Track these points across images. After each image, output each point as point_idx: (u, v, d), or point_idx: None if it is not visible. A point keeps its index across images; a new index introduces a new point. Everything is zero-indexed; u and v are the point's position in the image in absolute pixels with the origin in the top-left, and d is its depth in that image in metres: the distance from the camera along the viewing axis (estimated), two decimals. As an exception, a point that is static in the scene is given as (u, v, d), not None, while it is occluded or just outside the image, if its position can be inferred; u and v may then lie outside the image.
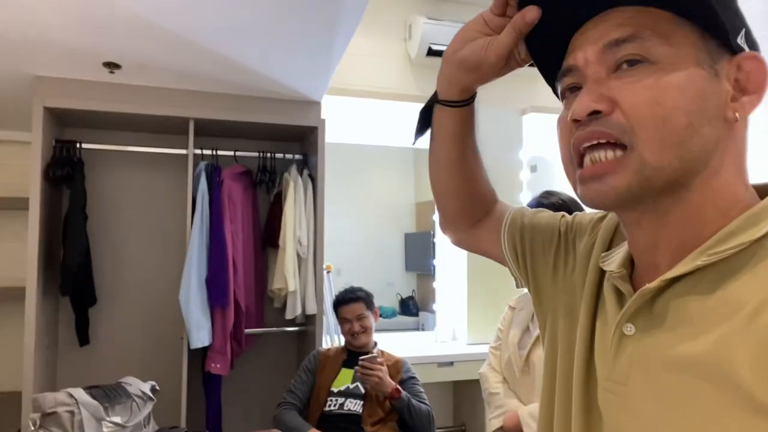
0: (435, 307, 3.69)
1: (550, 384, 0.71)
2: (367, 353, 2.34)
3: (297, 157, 2.95)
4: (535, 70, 0.69)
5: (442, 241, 3.58)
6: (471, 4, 3.19)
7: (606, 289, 0.65)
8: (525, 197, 3.44)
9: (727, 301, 0.50)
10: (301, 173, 2.86)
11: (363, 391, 2.34)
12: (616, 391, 0.57)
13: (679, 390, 0.50)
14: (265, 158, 2.88)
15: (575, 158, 0.58)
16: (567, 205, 1.60)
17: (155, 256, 2.87)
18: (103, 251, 2.79)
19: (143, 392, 1.87)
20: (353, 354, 2.41)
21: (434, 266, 3.68)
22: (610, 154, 0.55)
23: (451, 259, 3.54)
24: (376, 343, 2.52)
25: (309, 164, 2.93)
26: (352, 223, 5.69)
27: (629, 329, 0.58)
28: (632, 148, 0.53)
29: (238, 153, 2.83)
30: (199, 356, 2.70)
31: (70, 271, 2.54)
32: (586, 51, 0.57)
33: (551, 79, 0.67)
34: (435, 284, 3.69)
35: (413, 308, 5.97)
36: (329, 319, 3.05)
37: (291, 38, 2.13)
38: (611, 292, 0.64)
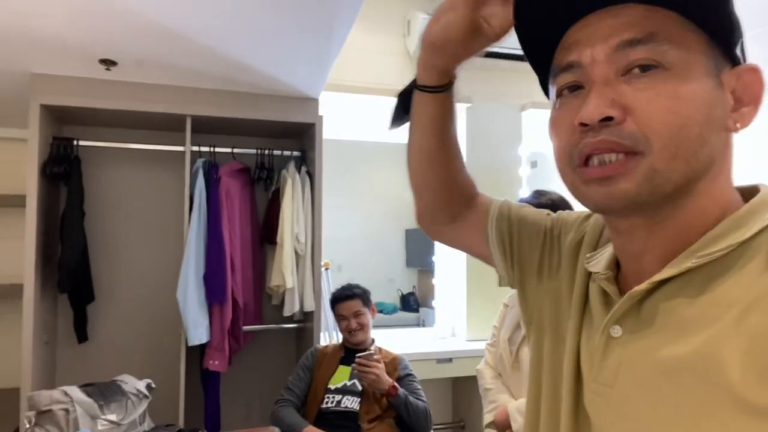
0: (434, 303, 3.69)
1: (536, 384, 0.70)
2: (364, 350, 2.34)
3: (295, 153, 2.94)
4: None
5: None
6: None
7: (592, 290, 0.65)
8: (525, 193, 3.42)
9: (715, 302, 0.50)
10: (299, 170, 2.86)
11: (360, 388, 2.34)
12: (604, 393, 0.57)
13: (669, 391, 0.50)
14: (262, 155, 2.88)
15: (577, 160, 0.55)
16: (557, 206, 1.58)
17: (153, 253, 2.87)
18: (100, 248, 2.79)
19: (138, 390, 1.87)
20: (351, 351, 2.41)
21: (434, 263, 3.68)
22: (621, 156, 0.53)
23: (450, 256, 3.54)
24: (373, 340, 2.52)
25: (307, 161, 2.93)
26: (354, 220, 5.71)
27: (616, 331, 0.58)
28: (644, 156, 0.52)
29: (235, 150, 2.82)
30: (198, 353, 2.70)
31: (68, 268, 2.54)
32: (594, 48, 0.54)
33: (540, 69, 0.64)
34: (434, 281, 3.68)
35: (414, 304, 5.98)
36: (327, 316, 3.05)
37: (287, 34, 2.12)
38: (597, 293, 0.63)
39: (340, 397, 2.35)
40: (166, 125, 2.77)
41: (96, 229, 2.78)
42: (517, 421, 1.63)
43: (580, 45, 0.55)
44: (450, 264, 3.55)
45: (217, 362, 2.64)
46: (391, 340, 3.05)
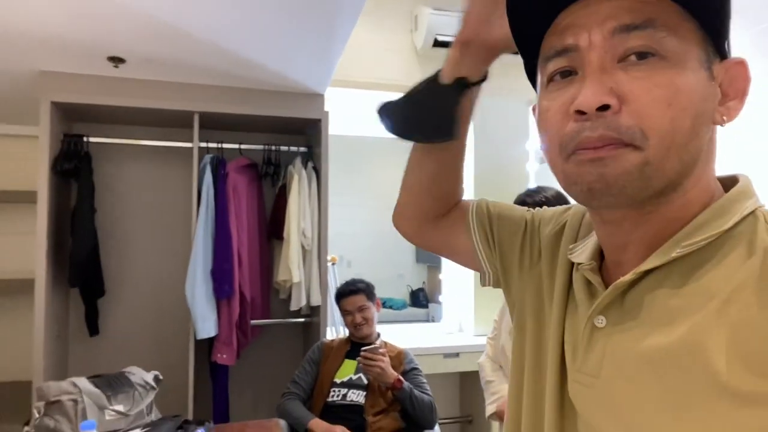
0: (441, 298, 3.70)
1: (518, 372, 0.70)
2: (370, 344, 2.35)
3: (302, 149, 2.96)
4: None
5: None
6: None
7: (576, 280, 0.65)
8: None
9: (698, 291, 0.51)
10: (305, 165, 2.87)
11: (366, 382, 2.36)
12: (589, 384, 0.57)
13: (654, 381, 0.51)
14: (269, 151, 2.90)
15: (572, 149, 0.53)
16: (551, 203, 1.57)
17: (161, 248, 2.91)
18: (110, 243, 2.83)
19: (146, 381, 1.91)
20: (356, 345, 2.43)
21: (440, 257, 3.68)
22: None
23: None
24: (379, 335, 2.54)
25: (313, 156, 2.95)
26: (363, 216, 5.72)
27: (601, 322, 0.58)
28: (640, 150, 0.51)
29: (242, 146, 2.85)
30: (206, 346, 2.74)
31: (79, 263, 2.58)
32: (591, 31, 0.52)
33: (527, 56, 0.63)
34: (441, 276, 3.69)
35: (423, 300, 5.99)
36: (334, 310, 3.07)
37: (291, 31, 2.14)
38: (581, 284, 0.63)
39: (346, 390, 2.37)
40: (174, 122, 2.80)
41: (106, 224, 2.82)
42: None
43: (575, 28, 0.54)
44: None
45: (224, 356, 2.67)
46: (398, 335, 3.07)
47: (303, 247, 2.80)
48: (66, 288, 2.71)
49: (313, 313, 2.92)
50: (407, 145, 0.81)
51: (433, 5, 3.28)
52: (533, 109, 0.62)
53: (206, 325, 2.60)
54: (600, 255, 0.63)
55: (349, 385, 2.38)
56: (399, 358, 2.44)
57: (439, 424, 2.39)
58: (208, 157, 2.74)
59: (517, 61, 0.65)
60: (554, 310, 0.65)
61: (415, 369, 2.43)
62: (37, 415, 1.66)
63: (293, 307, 2.79)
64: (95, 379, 1.81)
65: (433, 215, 0.84)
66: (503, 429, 0.76)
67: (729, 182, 0.58)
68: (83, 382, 1.74)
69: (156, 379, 1.95)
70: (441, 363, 3.15)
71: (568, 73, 0.55)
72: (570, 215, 0.73)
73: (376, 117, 0.77)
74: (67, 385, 1.71)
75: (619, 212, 0.57)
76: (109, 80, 2.62)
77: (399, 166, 0.85)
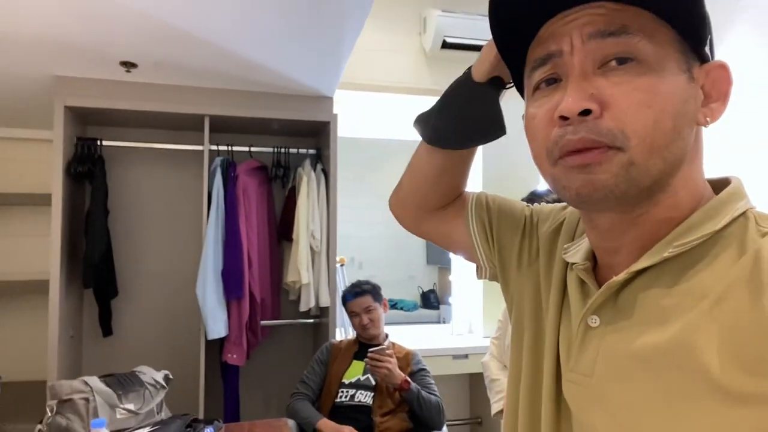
0: (451, 300, 3.70)
1: (515, 371, 0.71)
2: (377, 345, 2.37)
3: (311, 151, 2.98)
4: None
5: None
6: (484, -4, 3.17)
7: (569, 279, 0.66)
8: (542, 188, 3.41)
9: (690, 291, 0.51)
10: (314, 168, 2.90)
11: (374, 382, 2.37)
12: (582, 383, 0.58)
13: (646, 379, 0.51)
14: (279, 153, 2.92)
15: (557, 154, 0.55)
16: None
17: (173, 249, 2.95)
18: (123, 245, 2.88)
19: (156, 381, 1.94)
20: (364, 346, 2.44)
21: (450, 259, 3.69)
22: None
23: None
24: (387, 336, 2.55)
25: (322, 159, 2.97)
26: (374, 218, 5.72)
27: (594, 321, 0.58)
28: (623, 151, 0.52)
29: (252, 148, 2.88)
30: (217, 347, 2.77)
31: (92, 265, 2.62)
32: (572, 36, 0.55)
33: (513, 68, 0.65)
34: (451, 277, 3.69)
35: (434, 302, 5.98)
36: (342, 311, 3.09)
37: (300, 34, 2.16)
38: (574, 283, 0.64)
39: (354, 391, 2.38)
40: (186, 125, 2.84)
41: (119, 226, 2.86)
42: None
43: (557, 36, 0.56)
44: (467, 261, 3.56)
45: (235, 356, 2.70)
46: (408, 336, 3.08)
47: (312, 248, 2.83)
48: (80, 289, 2.75)
49: (322, 313, 2.94)
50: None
51: (442, 7, 3.29)
52: (523, 117, 0.63)
53: (217, 326, 2.63)
54: (594, 255, 0.64)
55: (357, 385, 2.39)
56: (407, 359, 2.45)
57: (449, 425, 2.40)
58: (218, 160, 2.78)
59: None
60: (551, 308, 0.66)
61: (423, 370, 2.44)
62: (49, 414, 1.70)
63: (302, 308, 2.81)
64: (106, 378, 1.84)
65: (434, 206, 0.83)
66: (502, 425, 0.77)
67: (720, 184, 0.59)
68: (95, 381, 1.78)
69: (166, 378, 1.99)
70: (450, 364, 3.16)
71: (553, 81, 0.57)
72: (568, 213, 0.74)
73: (413, 129, 0.76)
74: (78, 383, 1.75)
75: (608, 217, 0.58)
76: (122, 84, 2.66)
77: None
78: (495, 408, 1.81)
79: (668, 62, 0.53)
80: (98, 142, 2.72)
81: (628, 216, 0.57)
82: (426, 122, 0.76)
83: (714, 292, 0.50)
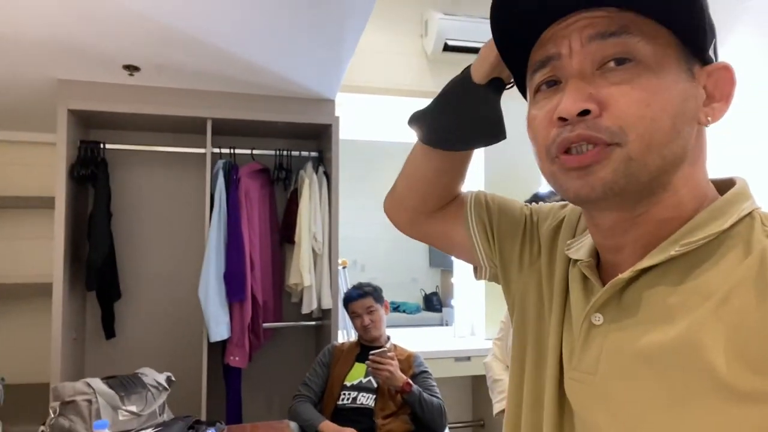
0: (453, 302, 3.70)
1: (518, 370, 0.71)
2: (379, 347, 2.37)
3: (313, 154, 2.99)
4: None
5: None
6: (486, -1, 3.18)
7: (572, 276, 0.65)
8: (544, 189, 3.41)
9: (696, 290, 0.51)
10: (316, 170, 2.90)
11: (375, 385, 2.37)
12: (586, 381, 0.58)
13: (651, 378, 0.51)
14: (281, 156, 2.93)
15: (555, 152, 0.56)
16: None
17: (176, 252, 2.96)
18: (126, 248, 2.89)
19: (158, 382, 1.94)
20: (366, 348, 2.44)
21: (453, 262, 3.69)
22: (592, 146, 0.54)
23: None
24: (389, 338, 2.55)
25: (324, 161, 2.97)
26: (377, 220, 5.70)
27: (598, 319, 0.58)
28: (621, 147, 0.53)
29: (254, 151, 2.89)
30: (219, 349, 2.77)
31: (95, 267, 2.63)
32: (572, 39, 0.56)
33: (516, 71, 0.66)
34: (453, 280, 3.69)
35: (437, 304, 5.98)
36: (344, 313, 3.09)
37: (302, 36, 2.17)
38: (577, 280, 0.64)
39: (356, 393, 2.38)
40: (188, 128, 2.85)
41: (122, 229, 2.87)
42: None
43: (557, 39, 0.57)
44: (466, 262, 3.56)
45: (237, 358, 2.71)
46: (410, 338, 3.08)
47: (314, 251, 2.83)
48: (83, 291, 2.76)
49: (324, 316, 2.94)
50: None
51: (443, 10, 3.30)
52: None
53: (219, 328, 2.63)
54: (597, 253, 0.64)
55: (359, 388, 2.39)
56: (408, 361, 2.45)
57: (451, 427, 2.40)
58: (220, 163, 2.79)
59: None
60: (554, 307, 0.66)
61: (425, 372, 2.44)
62: (52, 415, 1.71)
63: (304, 310, 2.82)
64: (109, 379, 1.85)
65: (431, 207, 0.82)
66: (503, 425, 0.76)
67: (725, 185, 0.59)
68: (97, 383, 1.78)
69: (168, 380, 1.99)
70: (452, 367, 3.16)
71: (553, 83, 0.58)
72: (568, 211, 0.74)
73: (408, 129, 0.75)
74: (81, 385, 1.76)
75: (610, 216, 0.58)
76: (125, 88, 2.68)
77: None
78: (497, 408, 1.82)
79: (668, 62, 0.54)
80: (101, 145, 2.73)
81: (630, 215, 0.57)
82: (423, 122, 0.75)
83: (720, 292, 0.50)
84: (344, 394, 2.39)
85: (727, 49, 2.57)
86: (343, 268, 3.22)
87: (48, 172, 2.80)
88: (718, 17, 0.61)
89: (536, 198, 1.74)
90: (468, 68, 0.71)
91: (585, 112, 0.53)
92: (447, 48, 3.30)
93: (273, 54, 2.34)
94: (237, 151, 2.87)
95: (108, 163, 2.76)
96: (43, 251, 3.01)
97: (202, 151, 2.79)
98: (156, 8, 1.89)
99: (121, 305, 2.86)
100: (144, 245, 2.94)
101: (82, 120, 2.72)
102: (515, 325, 0.74)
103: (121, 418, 1.76)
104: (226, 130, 2.87)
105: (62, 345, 2.46)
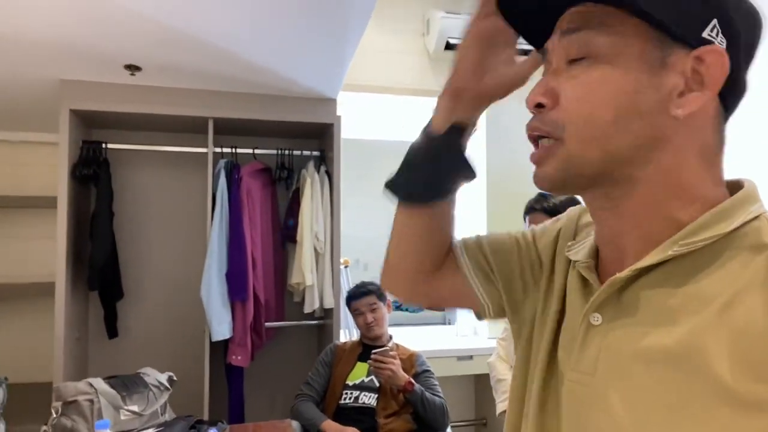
0: (456, 301, 3.69)
1: (521, 376, 0.69)
2: (381, 346, 2.36)
3: (314, 153, 2.99)
4: None
5: (463, 234, 3.57)
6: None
7: (571, 277, 0.65)
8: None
9: (700, 293, 0.50)
10: (318, 170, 2.90)
11: (377, 384, 2.37)
12: (585, 382, 0.57)
13: (650, 381, 0.50)
14: (283, 155, 2.93)
15: (531, 142, 0.60)
16: (558, 209, 1.54)
17: (178, 251, 2.96)
18: (128, 247, 2.89)
19: (160, 382, 1.94)
20: (368, 348, 2.43)
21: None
22: (546, 141, 0.57)
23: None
24: (391, 337, 2.55)
25: (326, 160, 2.97)
26: (379, 219, 5.69)
27: (596, 319, 0.57)
28: (562, 141, 0.55)
29: (256, 150, 2.88)
30: (221, 348, 2.78)
31: (98, 267, 2.63)
32: (553, 38, 0.58)
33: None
34: (456, 278, 3.68)
35: (440, 303, 5.96)
36: (346, 313, 3.09)
37: (303, 36, 2.17)
38: (576, 281, 0.63)
39: (358, 393, 2.38)
40: (190, 127, 2.85)
41: (124, 228, 2.88)
42: None
43: (553, 33, 0.59)
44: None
45: (239, 357, 2.71)
46: (413, 337, 3.08)
47: (316, 250, 2.83)
48: (85, 291, 2.77)
49: (326, 315, 2.94)
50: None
51: (445, 8, 3.30)
52: None
53: (221, 328, 2.64)
54: (597, 255, 0.63)
55: (361, 387, 2.39)
56: (410, 360, 2.45)
57: (453, 426, 2.39)
58: (222, 162, 2.79)
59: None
60: (553, 308, 0.65)
61: (427, 371, 2.44)
62: (54, 415, 1.71)
63: (306, 309, 2.82)
64: (111, 379, 1.85)
65: (429, 268, 0.78)
66: (504, 425, 0.75)
67: (732, 186, 0.57)
68: (99, 383, 1.79)
69: (170, 379, 1.99)
70: (455, 366, 3.16)
71: None
72: (563, 223, 0.73)
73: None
74: (83, 385, 1.76)
75: (593, 204, 0.62)
76: (126, 88, 2.68)
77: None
78: (500, 408, 1.82)
79: (625, 53, 0.52)
80: (103, 145, 2.73)
81: (609, 204, 0.58)
82: (396, 184, 0.75)
83: (724, 295, 0.48)
84: (346, 393, 2.39)
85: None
86: (345, 267, 3.22)
87: (50, 172, 2.80)
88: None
89: (541, 196, 1.72)
90: (429, 122, 0.71)
91: (540, 105, 0.56)
92: (449, 47, 3.30)
93: (274, 53, 2.34)
94: (239, 150, 2.87)
95: (110, 162, 2.76)
96: (45, 251, 3.02)
97: (203, 150, 2.79)
98: (157, 8, 1.89)
99: (123, 305, 2.86)
100: (146, 245, 2.94)
101: (85, 120, 2.72)
102: (520, 346, 0.71)
103: (122, 417, 1.76)
104: (228, 129, 2.87)
105: (65, 345, 2.47)
